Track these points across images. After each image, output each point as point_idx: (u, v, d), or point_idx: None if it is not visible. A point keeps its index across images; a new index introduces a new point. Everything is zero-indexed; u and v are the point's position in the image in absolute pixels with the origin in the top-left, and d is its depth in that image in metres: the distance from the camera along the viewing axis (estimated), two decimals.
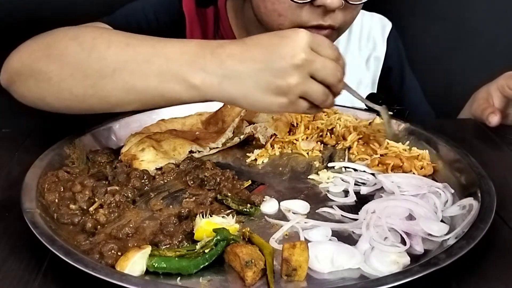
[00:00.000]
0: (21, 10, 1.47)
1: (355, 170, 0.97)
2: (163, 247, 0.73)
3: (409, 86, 1.44)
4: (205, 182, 0.88)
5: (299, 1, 1.03)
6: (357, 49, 1.37)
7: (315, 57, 0.82)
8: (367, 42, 1.38)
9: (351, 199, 0.87)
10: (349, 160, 1.01)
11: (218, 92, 0.84)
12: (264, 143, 1.03)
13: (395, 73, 1.40)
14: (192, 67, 0.84)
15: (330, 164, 0.98)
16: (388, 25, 1.40)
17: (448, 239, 0.75)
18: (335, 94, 0.87)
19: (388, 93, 1.36)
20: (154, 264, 0.68)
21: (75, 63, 0.91)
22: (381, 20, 1.40)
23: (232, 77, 0.82)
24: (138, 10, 1.22)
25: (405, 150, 0.99)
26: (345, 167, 0.98)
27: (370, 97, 1.16)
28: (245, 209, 0.82)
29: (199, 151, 1.00)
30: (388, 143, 1.01)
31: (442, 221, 0.80)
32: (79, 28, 0.99)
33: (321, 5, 1.03)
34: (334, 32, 1.10)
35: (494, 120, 1.15)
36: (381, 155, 0.99)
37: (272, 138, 1.04)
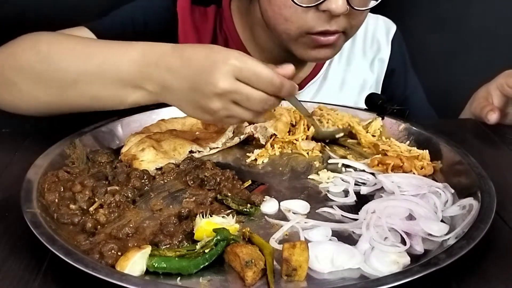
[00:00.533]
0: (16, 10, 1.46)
1: (355, 169, 0.97)
2: (163, 247, 0.72)
3: (412, 88, 1.43)
4: (205, 182, 0.88)
5: (304, 5, 1.03)
6: (361, 51, 1.37)
7: (238, 88, 0.83)
8: (371, 44, 1.37)
9: (351, 199, 0.87)
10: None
11: (164, 99, 0.91)
12: (264, 143, 1.03)
13: (399, 75, 1.39)
14: (141, 76, 0.89)
15: (330, 161, 0.99)
16: (392, 27, 1.40)
17: (448, 239, 0.75)
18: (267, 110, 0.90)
19: (392, 95, 1.36)
20: (154, 264, 0.68)
21: (36, 74, 0.97)
22: (385, 22, 1.40)
23: (169, 90, 0.88)
24: (127, 12, 1.22)
25: (402, 152, 0.99)
26: (345, 166, 0.98)
27: (370, 97, 1.16)
28: (245, 209, 0.82)
29: (199, 151, 1.00)
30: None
31: (442, 221, 0.80)
32: (37, 36, 1.01)
33: (326, 10, 1.02)
34: (341, 36, 1.10)
35: (493, 117, 1.15)
36: (383, 150, 1.00)
37: (272, 138, 1.04)
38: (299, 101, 0.98)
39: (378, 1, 1.09)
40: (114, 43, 0.95)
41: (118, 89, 0.92)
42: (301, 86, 1.30)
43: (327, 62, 1.33)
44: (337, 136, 1.07)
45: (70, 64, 0.94)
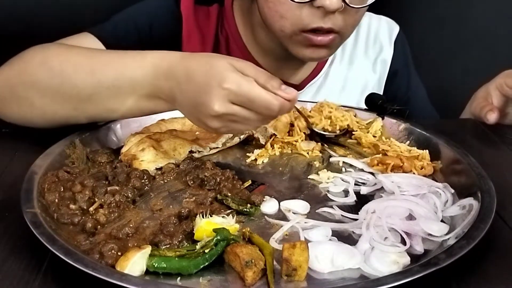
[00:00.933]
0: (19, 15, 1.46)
1: (355, 169, 0.97)
2: (163, 247, 0.72)
3: (414, 88, 1.43)
4: (205, 182, 0.88)
5: (299, 1, 1.03)
6: (363, 51, 1.36)
7: (234, 111, 0.82)
8: (374, 44, 1.37)
9: (351, 199, 0.87)
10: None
11: (177, 109, 0.92)
12: (264, 143, 1.03)
13: (401, 76, 1.39)
14: (155, 89, 0.90)
15: (331, 159, 0.99)
16: (395, 28, 1.39)
17: (448, 239, 0.75)
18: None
19: (394, 96, 1.35)
20: (154, 264, 0.68)
21: (51, 89, 0.96)
22: (388, 23, 1.39)
23: (177, 101, 0.89)
24: (130, 16, 1.22)
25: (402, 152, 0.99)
26: (345, 165, 0.98)
27: (370, 97, 1.16)
28: (245, 209, 0.82)
29: (199, 151, 1.00)
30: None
31: (442, 221, 0.80)
32: (46, 50, 1.01)
33: (321, 6, 1.02)
34: (337, 37, 1.09)
35: (492, 117, 1.15)
36: (383, 150, 1.00)
37: (272, 138, 1.04)
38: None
39: None
40: (125, 54, 0.95)
41: (135, 101, 0.93)
42: (302, 85, 1.30)
43: (328, 61, 1.33)
44: (327, 136, 1.06)
45: (84, 80, 0.94)
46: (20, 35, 1.04)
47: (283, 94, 0.82)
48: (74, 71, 0.95)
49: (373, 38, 1.37)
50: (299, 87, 1.29)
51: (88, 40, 1.12)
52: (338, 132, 1.07)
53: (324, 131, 1.06)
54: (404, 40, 1.41)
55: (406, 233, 0.76)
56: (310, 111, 1.10)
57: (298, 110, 1.05)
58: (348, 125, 1.07)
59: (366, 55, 1.37)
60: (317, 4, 1.02)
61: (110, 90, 0.93)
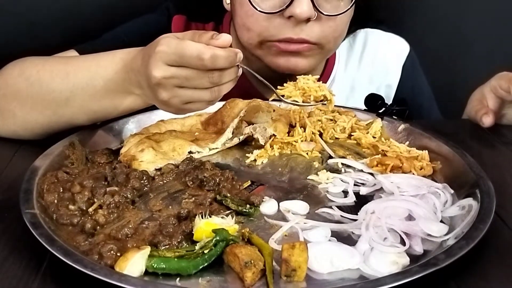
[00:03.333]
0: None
1: (355, 170, 0.97)
2: (162, 247, 0.72)
3: (426, 107, 1.38)
4: (205, 183, 0.88)
5: (265, 12, 1.01)
6: (368, 77, 1.32)
7: (172, 72, 0.83)
8: (379, 69, 1.32)
9: (351, 199, 0.87)
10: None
11: (149, 101, 0.93)
12: (263, 144, 1.03)
13: (409, 102, 1.28)
14: (127, 82, 0.92)
15: (330, 161, 0.99)
16: (405, 49, 1.34)
17: (447, 239, 0.75)
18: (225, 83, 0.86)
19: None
20: (153, 264, 0.68)
21: (31, 98, 0.99)
22: (398, 43, 1.34)
23: (143, 90, 0.90)
24: (120, 34, 1.22)
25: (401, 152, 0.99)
26: (344, 165, 0.98)
27: (369, 97, 1.16)
28: (245, 210, 0.82)
29: (198, 152, 1.00)
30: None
31: (441, 221, 0.80)
32: (23, 62, 1.04)
33: (291, 16, 1.00)
34: (314, 47, 1.07)
35: (487, 121, 1.15)
36: (383, 150, 0.99)
37: (271, 139, 1.04)
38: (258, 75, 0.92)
39: (352, 4, 1.05)
40: (98, 56, 0.97)
41: (111, 99, 0.94)
42: None
43: (329, 82, 1.28)
44: (300, 106, 1.02)
45: (60, 84, 0.96)
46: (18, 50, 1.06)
47: (213, 41, 0.82)
48: (50, 77, 0.97)
49: (380, 61, 1.32)
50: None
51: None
52: (313, 102, 1.01)
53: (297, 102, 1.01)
54: (414, 62, 1.36)
55: (406, 234, 0.76)
56: (284, 84, 1.03)
57: (262, 80, 0.94)
58: (324, 95, 1.01)
59: (371, 82, 1.32)
60: (287, 14, 1.00)
61: (85, 91, 0.95)
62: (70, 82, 0.96)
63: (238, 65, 0.85)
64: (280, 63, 1.10)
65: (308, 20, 1.02)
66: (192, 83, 0.83)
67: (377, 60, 1.33)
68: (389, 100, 1.24)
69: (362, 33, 1.32)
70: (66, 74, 0.96)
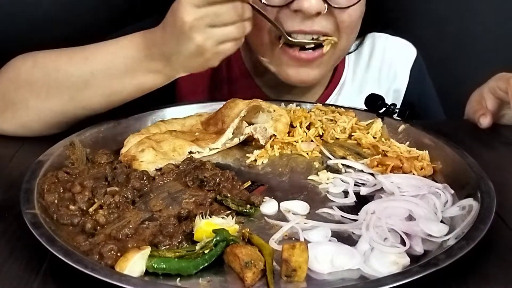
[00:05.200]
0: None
1: (355, 170, 0.96)
2: (163, 247, 0.72)
3: (432, 110, 1.39)
4: (205, 183, 0.88)
5: (272, 5, 1.00)
6: (376, 80, 1.32)
7: (202, 12, 0.87)
8: (388, 72, 1.32)
9: (351, 199, 0.87)
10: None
11: (172, 72, 0.96)
12: (263, 144, 1.03)
13: (417, 107, 1.28)
14: (148, 59, 0.94)
15: (329, 162, 0.99)
16: (413, 53, 1.35)
17: (448, 239, 0.75)
18: (247, 19, 0.92)
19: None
20: (153, 264, 0.68)
21: (47, 85, 0.98)
22: (405, 47, 1.34)
23: (169, 59, 0.93)
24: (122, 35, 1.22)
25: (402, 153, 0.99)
26: (344, 165, 0.98)
27: (370, 97, 1.16)
28: (245, 210, 0.82)
29: (198, 152, 1.00)
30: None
31: (442, 221, 0.80)
32: (34, 55, 1.03)
33: (298, 10, 1.00)
34: (326, 53, 1.07)
35: (485, 122, 1.15)
36: (383, 150, 1.00)
37: (272, 139, 1.04)
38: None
39: None
40: (114, 40, 0.99)
41: (132, 78, 0.96)
42: None
43: (338, 88, 1.29)
44: (307, 46, 1.04)
45: (79, 68, 0.97)
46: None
47: None
48: (69, 63, 0.98)
49: (388, 65, 1.32)
50: None
51: None
52: (314, 40, 1.05)
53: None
54: (422, 65, 1.36)
55: (406, 234, 0.76)
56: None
57: (272, 22, 1.01)
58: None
59: (379, 85, 1.32)
60: (293, 7, 1.00)
61: (106, 72, 0.96)
62: (89, 65, 0.97)
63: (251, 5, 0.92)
64: (291, 74, 1.11)
65: (318, 14, 1.01)
66: (222, 19, 0.88)
67: (385, 64, 1.33)
68: (398, 105, 1.26)
69: (369, 37, 1.33)
70: (85, 58, 0.97)
